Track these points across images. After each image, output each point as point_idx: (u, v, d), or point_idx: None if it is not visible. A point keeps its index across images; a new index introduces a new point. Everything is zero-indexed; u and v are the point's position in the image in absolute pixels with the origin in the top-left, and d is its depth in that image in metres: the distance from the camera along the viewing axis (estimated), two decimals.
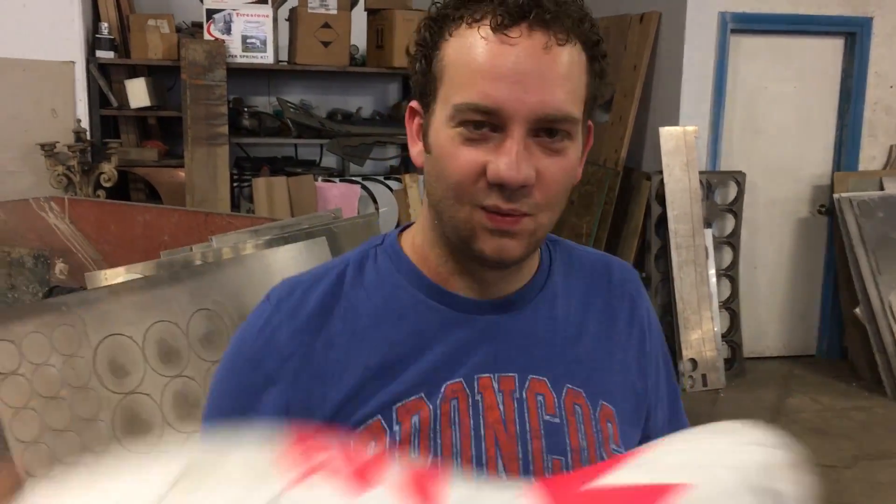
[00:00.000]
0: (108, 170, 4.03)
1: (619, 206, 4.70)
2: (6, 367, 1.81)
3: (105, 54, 4.27)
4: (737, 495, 0.57)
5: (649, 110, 4.77)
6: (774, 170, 4.77)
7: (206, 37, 4.37)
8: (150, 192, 4.57)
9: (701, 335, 4.44)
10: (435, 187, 0.83)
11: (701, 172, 4.50)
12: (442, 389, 0.84)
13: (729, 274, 4.67)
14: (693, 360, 4.44)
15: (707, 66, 4.52)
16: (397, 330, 0.85)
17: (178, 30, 4.54)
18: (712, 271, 4.51)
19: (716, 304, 4.51)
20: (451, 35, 0.80)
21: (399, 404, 0.83)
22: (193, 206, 4.14)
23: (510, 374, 0.86)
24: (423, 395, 0.83)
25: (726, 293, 4.66)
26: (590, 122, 0.87)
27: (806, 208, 4.85)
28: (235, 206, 4.49)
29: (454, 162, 0.79)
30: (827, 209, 4.78)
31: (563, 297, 0.91)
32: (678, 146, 4.46)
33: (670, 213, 4.42)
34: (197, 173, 4.26)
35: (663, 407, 0.97)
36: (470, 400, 0.84)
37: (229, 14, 4.38)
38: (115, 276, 2.15)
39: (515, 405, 0.84)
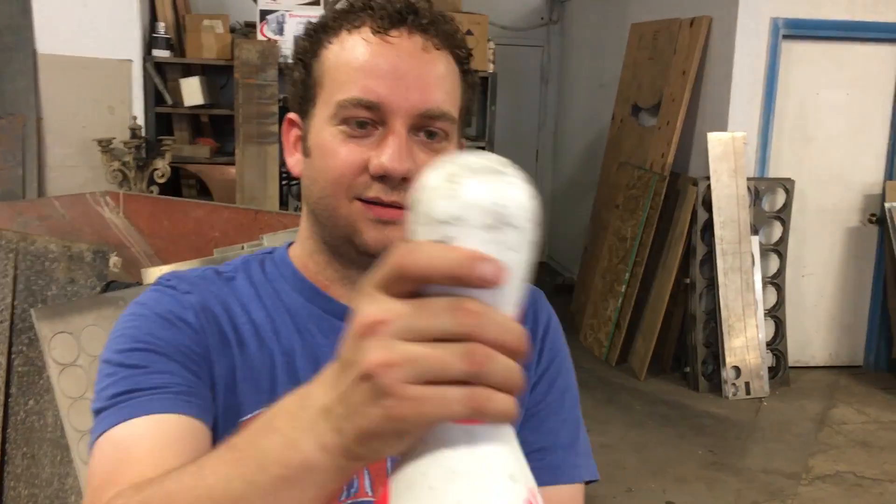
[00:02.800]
0: (162, 166, 4.13)
1: (665, 211, 4.68)
2: (66, 359, 1.88)
3: (161, 53, 4.38)
4: None
5: (697, 115, 4.74)
6: (824, 178, 4.71)
7: (260, 37, 4.46)
8: (201, 188, 4.67)
9: (745, 342, 4.41)
10: (313, 189, 0.83)
11: (749, 179, 4.46)
12: None
13: (775, 282, 4.62)
14: (736, 368, 4.40)
15: (757, 72, 4.48)
16: (284, 330, 0.85)
17: (232, 30, 4.63)
18: (758, 278, 4.47)
19: (761, 312, 4.47)
20: (330, 42, 0.82)
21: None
22: (243, 203, 4.23)
23: None
24: None
25: (772, 301, 4.61)
26: (462, 141, 0.88)
27: (856, 217, 4.78)
28: (284, 203, 4.57)
29: (336, 158, 0.80)
30: (878, 218, 4.70)
31: None
32: (726, 152, 4.43)
33: (716, 219, 4.39)
34: (247, 171, 4.35)
35: (557, 419, 0.92)
36: None
37: (282, 15, 4.46)
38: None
39: None
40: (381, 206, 0.79)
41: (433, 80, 0.80)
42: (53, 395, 2.08)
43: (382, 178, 0.78)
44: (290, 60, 0.87)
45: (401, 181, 0.78)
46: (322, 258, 0.87)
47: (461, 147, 0.88)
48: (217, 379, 0.81)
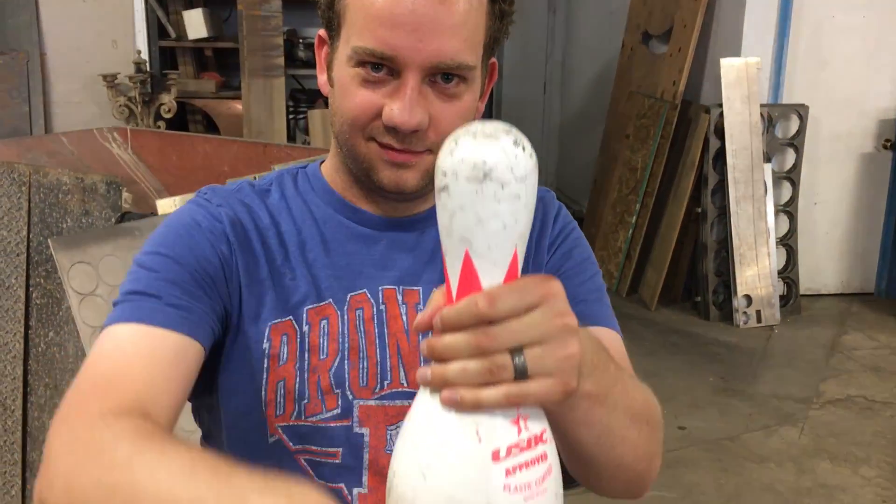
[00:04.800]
0: (168, 101, 4.09)
1: (676, 140, 4.63)
2: (85, 289, 1.89)
3: None
4: None
5: (710, 41, 4.65)
6: (839, 103, 4.63)
7: None
8: (207, 123, 4.63)
9: (757, 271, 4.40)
10: (335, 120, 0.87)
11: (762, 105, 4.40)
12: (347, 298, 0.89)
13: (787, 210, 4.60)
14: (748, 296, 4.41)
15: None
16: (311, 239, 0.90)
17: None
18: (770, 206, 4.45)
19: (773, 241, 4.46)
20: None
21: (310, 307, 0.88)
22: (251, 137, 4.19)
23: (415, 288, 0.91)
24: (331, 300, 0.88)
25: (784, 229, 4.59)
26: (493, 60, 0.89)
27: (870, 143, 4.72)
28: (291, 137, 4.53)
29: (352, 100, 0.82)
30: (892, 143, 4.64)
31: None
32: (739, 78, 4.35)
33: (729, 147, 4.34)
34: (254, 105, 4.30)
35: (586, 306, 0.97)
36: (374, 310, 0.89)
37: None
38: (184, 202, 2.21)
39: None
40: (394, 151, 0.83)
41: (449, 28, 0.79)
42: (73, 326, 2.09)
43: (394, 129, 0.81)
44: None
45: (413, 132, 0.81)
46: (347, 178, 0.92)
47: (492, 69, 0.89)
48: (235, 287, 0.87)
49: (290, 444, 0.86)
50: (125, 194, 2.87)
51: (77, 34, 4.07)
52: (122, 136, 3.43)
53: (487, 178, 0.57)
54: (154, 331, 0.79)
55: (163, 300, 0.80)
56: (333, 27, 0.85)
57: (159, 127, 4.08)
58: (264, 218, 0.90)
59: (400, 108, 0.79)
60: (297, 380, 0.85)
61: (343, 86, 0.84)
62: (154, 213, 2.15)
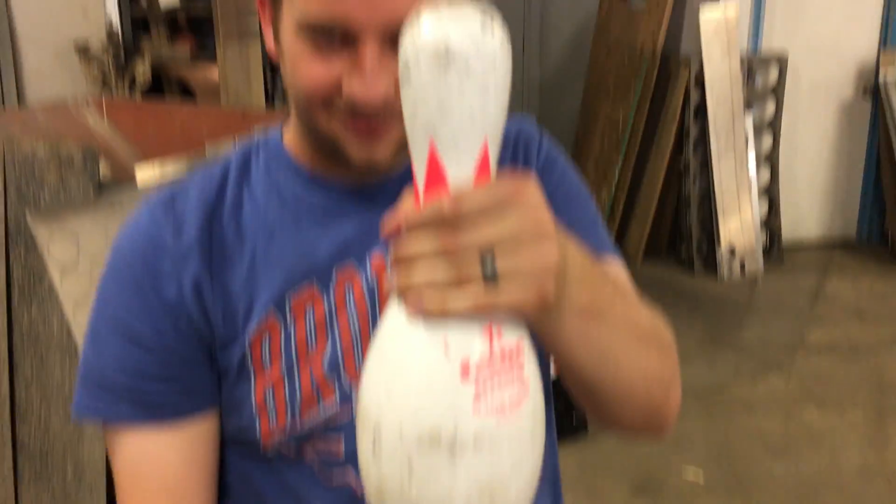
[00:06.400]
0: (142, 68, 4.02)
1: (657, 94, 4.61)
2: (66, 262, 1.86)
3: None
4: None
5: None
6: (818, 50, 4.63)
7: None
8: (183, 91, 4.56)
9: (740, 222, 4.42)
10: (290, 92, 0.77)
11: (742, 57, 4.38)
12: (333, 276, 0.81)
13: (769, 160, 4.61)
14: (731, 248, 4.43)
15: None
16: (281, 222, 0.82)
17: None
18: (752, 157, 4.45)
19: (755, 191, 4.47)
20: None
21: (292, 293, 0.80)
22: (228, 103, 4.14)
23: None
24: (315, 282, 0.81)
25: (766, 179, 4.61)
26: None
27: (850, 91, 4.73)
28: (270, 102, 4.47)
29: (307, 74, 0.72)
30: (872, 90, 4.65)
31: None
32: (718, 28, 4.33)
33: (710, 99, 4.33)
34: (230, 71, 4.24)
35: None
36: (364, 283, 0.81)
37: None
38: (164, 169, 2.18)
39: None
40: (362, 121, 0.73)
41: None
42: (55, 300, 2.07)
43: (358, 106, 0.71)
44: None
45: (380, 105, 0.71)
46: (311, 148, 0.83)
47: None
48: (205, 326, 0.80)
49: (292, 451, 0.82)
50: (103, 164, 2.83)
51: (46, 3, 3.98)
52: (98, 106, 3.37)
53: (451, 63, 0.52)
54: (171, 434, 0.79)
55: (152, 395, 0.78)
56: None
57: (135, 96, 4.02)
58: (225, 214, 0.81)
59: (360, 82, 0.69)
60: (286, 382, 0.80)
61: (293, 58, 0.73)
62: (133, 180, 2.12)
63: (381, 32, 0.68)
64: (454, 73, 0.52)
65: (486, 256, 0.54)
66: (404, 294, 0.55)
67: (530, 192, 0.56)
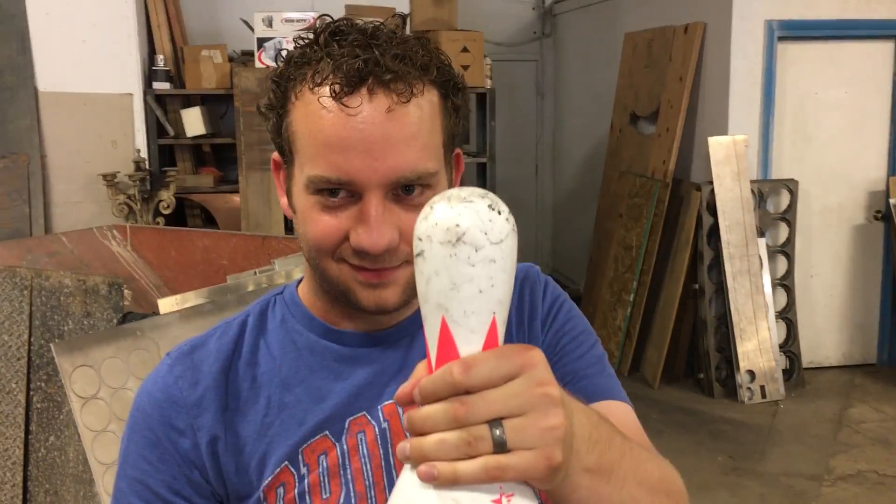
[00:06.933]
0: (167, 197, 4.14)
1: (669, 218, 4.68)
2: (87, 392, 1.88)
3: (161, 85, 4.40)
4: None
5: (697, 120, 4.75)
6: (828, 176, 4.71)
7: (258, 65, 4.47)
8: (205, 217, 4.67)
9: (758, 345, 4.39)
10: (302, 244, 0.83)
11: (752, 181, 4.47)
12: (346, 426, 0.83)
13: (784, 283, 4.62)
14: (751, 372, 4.39)
15: (755, 75, 4.50)
16: (295, 373, 0.85)
17: (231, 59, 4.65)
18: (767, 280, 4.47)
19: (772, 314, 4.46)
20: (296, 98, 0.78)
21: (304, 446, 0.82)
22: (249, 230, 4.23)
23: None
24: (327, 433, 0.83)
25: (782, 303, 4.61)
26: (457, 151, 0.86)
27: (862, 214, 4.78)
28: (290, 229, 4.57)
29: (316, 227, 0.78)
30: (883, 214, 4.70)
31: None
32: (728, 156, 4.43)
33: (722, 224, 4.39)
34: (251, 198, 4.36)
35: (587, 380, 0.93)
36: (377, 430, 0.84)
37: (279, 42, 4.47)
38: (185, 300, 2.21)
39: None
40: (369, 272, 0.78)
41: (402, 141, 0.75)
42: (73, 430, 2.07)
43: (364, 254, 0.77)
44: (264, 106, 0.83)
45: (384, 252, 0.77)
46: (325, 300, 0.87)
47: (457, 159, 0.86)
48: (224, 465, 0.82)
49: None
50: (126, 293, 2.88)
51: (77, 136, 4.15)
52: (122, 233, 3.46)
53: (461, 241, 0.56)
54: None
55: None
56: (286, 153, 0.81)
57: (158, 223, 4.12)
58: (241, 367, 0.85)
59: (366, 231, 0.75)
60: None
61: (304, 213, 0.79)
62: (156, 312, 2.16)
63: (383, 188, 0.76)
64: (464, 250, 0.56)
65: (495, 426, 0.56)
66: (416, 460, 0.57)
67: (536, 359, 0.58)
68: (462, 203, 0.57)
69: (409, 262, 0.79)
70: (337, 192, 0.76)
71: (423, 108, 0.77)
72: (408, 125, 0.75)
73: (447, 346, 0.58)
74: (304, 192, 0.78)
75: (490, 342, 0.58)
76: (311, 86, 0.77)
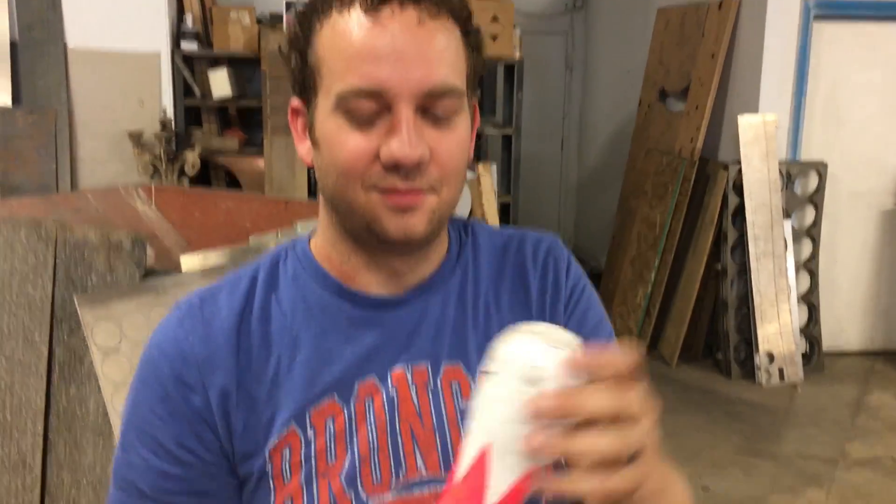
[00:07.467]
0: (192, 158, 4.15)
1: (694, 196, 4.64)
2: (108, 345, 1.90)
3: (189, 45, 4.40)
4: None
5: (727, 99, 4.69)
6: (858, 161, 4.64)
7: (286, 28, 4.46)
8: (230, 180, 4.69)
9: (778, 328, 4.36)
10: (326, 180, 0.81)
11: (780, 162, 4.41)
12: (355, 389, 0.83)
13: (808, 267, 4.57)
14: (770, 354, 4.36)
15: (788, 54, 4.42)
16: (306, 332, 0.84)
17: (259, 21, 4.64)
18: (791, 263, 4.43)
19: (794, 297, 4.42)
20: (321, 26, 0.78)
21: (313, 407, 0.82)
22: (272, 193, 4.24)
23: (423, 364, 0.85)
24: (335, 396, 0.82)
25: (805, 286, 4.56)
26: (475, 101, 0.85)
27: (891, 201, 4.71)
28: (312, 193, 4.58)
29: (344, 149, 0.77)
30: None
31: (473, 282, 0.90)
32: (757, 135, 4.38)
33: (748, 204, 4.35)
34: (275, 162, 4.36)
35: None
36: (385, 396, 0.83)
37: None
38: (207, 258, 2.23)
39: (430, 396, 0.84)
40: (398, 194, 0.77)
41: (434, 54, 0.76)
42: (94, 382, 2.09)
43: (396, 167, 0.76)
44: (286, 43, 0.83)
45: (415, 166, 0.76)
46: (345, 247, 0.86)
47: (474, 111, 0.86)
48: (226, 436, 0.82)
49: None
50: (149, 251, 2.91)
51: (105, 93, 4.16)
52: (147, 193, 3.48)
53: (527, 382, 0.60)
54: None
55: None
56: (309, 86, 0.80)
57: (183, 184, 4.14)
58: (252, 323, 0.84)
59: (399, 141, 0.74)
60: (305, 494, 0.80)
61: (331, 139, 0.78)
62: (178, 269, 2.17)
63: (414, 98, 0.75)
64: (534, 389, 0.60)
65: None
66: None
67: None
68: (533, 341, 0.61)
69: (435, 189, 0.79)
70: (368, 105, 0.76)
71: (450, 32, 0.78)
72: (439, 38, 0.76)
73: (479, 474, 0.62)
74: (332, 117, 0.77)
75: (523, 482, 0.62)
76: (339, 8, 0.77)
